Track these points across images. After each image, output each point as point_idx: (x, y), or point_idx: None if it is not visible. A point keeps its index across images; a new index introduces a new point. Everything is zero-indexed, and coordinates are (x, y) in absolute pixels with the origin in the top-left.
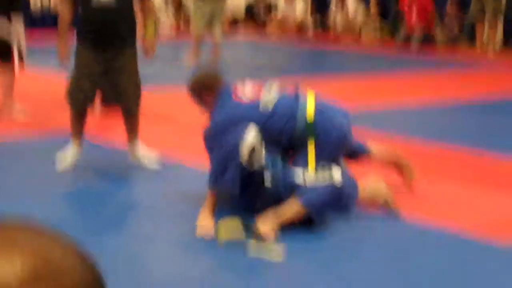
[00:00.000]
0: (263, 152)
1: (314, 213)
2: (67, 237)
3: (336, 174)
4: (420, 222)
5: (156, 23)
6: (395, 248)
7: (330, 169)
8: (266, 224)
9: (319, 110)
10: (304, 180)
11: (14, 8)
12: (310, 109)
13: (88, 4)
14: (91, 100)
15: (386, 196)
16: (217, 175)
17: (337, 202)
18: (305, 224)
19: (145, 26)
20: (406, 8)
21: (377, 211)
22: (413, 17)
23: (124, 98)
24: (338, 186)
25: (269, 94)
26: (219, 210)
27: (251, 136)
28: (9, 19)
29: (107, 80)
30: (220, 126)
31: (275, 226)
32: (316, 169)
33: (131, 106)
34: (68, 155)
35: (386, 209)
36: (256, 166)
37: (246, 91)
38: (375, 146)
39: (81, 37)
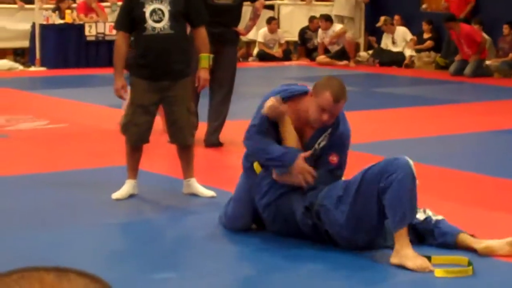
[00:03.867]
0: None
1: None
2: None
3: None
4: None
5: (209, 52)
6: None
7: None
8: (416, 260)
9: None
10: None
11: None
12: None
13: (142, 32)
14: (146, 133)
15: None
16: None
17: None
18: None
19: (198, 55)
20: (456, 40)
21: None
22: (465, 48)
23: (178, 128)
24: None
25: None
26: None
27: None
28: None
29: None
30: None
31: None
32: None
33: (186, 137)
34: (123, 190)
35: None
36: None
37: None
38: None
39: (135, 68)
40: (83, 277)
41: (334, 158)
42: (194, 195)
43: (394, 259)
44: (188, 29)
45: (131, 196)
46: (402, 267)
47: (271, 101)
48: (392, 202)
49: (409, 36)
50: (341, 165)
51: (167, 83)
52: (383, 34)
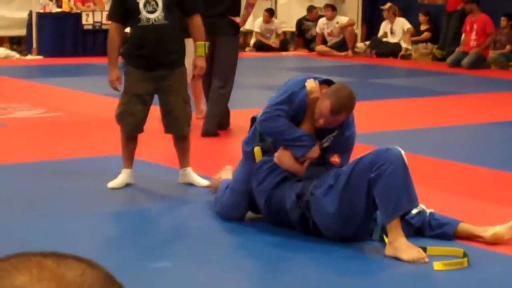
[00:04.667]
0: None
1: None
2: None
3: None
4: None
5: (206, 39)
6: None
7: None
8: (410, 252)
9: None
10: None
11: None
12: None
13: (136, 23)
14: (141, 123)
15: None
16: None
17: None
18: None
19: (194, 43)
20: (468, 27)
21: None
22: (472, 36)
23: (173, 118)
24: None
25: None
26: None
27: None
28: None
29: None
30: None
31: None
32: None
33: (182, 127)
34: (119, 179)
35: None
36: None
37: None
38: None
39: (130, 58)
40: (81, 262)
41: (336, 159)
42: (190, 184)
43: (388, 251)
44: None
45: (127, 185)
46: (397, 259)
47: (313, 82)
48: (383, 193)
49: (407, 26)
50: (342, 166)
51: (162, 72)
52: (382, 23)
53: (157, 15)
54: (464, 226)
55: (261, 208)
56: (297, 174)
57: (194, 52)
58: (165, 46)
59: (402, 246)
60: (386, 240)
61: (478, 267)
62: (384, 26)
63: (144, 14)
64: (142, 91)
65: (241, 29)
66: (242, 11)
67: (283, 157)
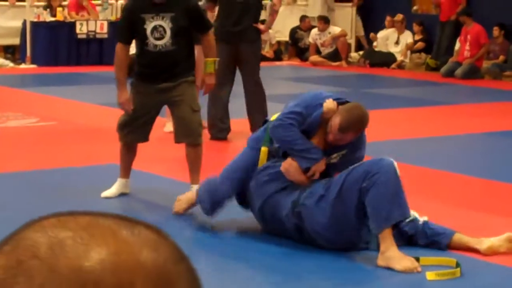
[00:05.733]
0: None
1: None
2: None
3: None
4: None
5: (216, 57)
6: None
7: None
8: (403, 262)
9: None
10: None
11: None
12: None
13: (144, 47)
14: (143, 135)
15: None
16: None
17: None
18: None
19: (204, 60)
20: (462, 38)
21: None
22: (466, 47)
23: (183, 128)
24: None
25: None
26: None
27: None
28: None
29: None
30: None
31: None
32: None
33: (192, 136)
34: (113, 189)
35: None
36: None
37: None
38: None
39: (137, 74)
40: (153, 232)
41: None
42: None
43: (381, 262)
44: None
45: (121, 195)
46: (389, 269)
47: (332, 103)
48: (375, 203)
49: (410, 40)
50: None
51: (168, 84)
52: (382, 31)
53: (165, 42)
54: (459, 237)
55: (254, 210)
56: (300, 186)
57: (203, 69)
58: (174, 67)
59: (394, 256)
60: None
61: (471, 277)
62: (391, 36)
63: (151, 40)
64: (148, 102)
65: None
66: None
67: (290, 167)
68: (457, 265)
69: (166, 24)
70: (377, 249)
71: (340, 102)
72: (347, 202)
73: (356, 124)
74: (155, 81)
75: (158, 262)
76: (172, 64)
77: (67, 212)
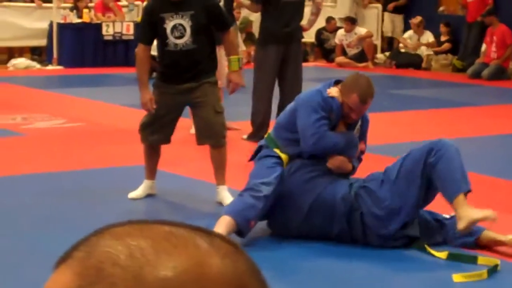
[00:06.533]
0: None
1: None
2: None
3: None
4: None
5: (239, 54)
6: None
7: None
8: (481, 212)
9: None
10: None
11: None
12: None
13: (165, 47)
14: (165, 136)
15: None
16: None
17: None
18: None
19: (228, 58)
20: (488, 39)
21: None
22: (492, 48)
23: (206, 130)
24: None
25: None
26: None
27: None
28: None
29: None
30: None
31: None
32: None
33: (215, 137)
34: (140, 190)
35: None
36: None
37: None
38: None
39: (159, 74)
40: (229, 245)
41: (362, 146)
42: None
43: (460, 225)
44: None
45: (148, 196)
46: (469, 228)
47: (334, 90)
48: (445, 174)
49: (431, 40)
50: (364, 150)
51: (190, 85)
52: (406, 33)
53: (185, 41)
54: (487, 233)
55: (300, 208)
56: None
57: (228, 67)
58: (196, 66)
59: (472, 211)
60: (428, 249)
61: (498, 279)
62: (411, 36)
63: (171, 39)
64: (170, 102)
65: None
66: (309, 17)
67: (336, 161)
68: (494, 267)
69: (185, 22)
70: (420, 249)
71: (336, 84)
72: (408, 182)
73: (371, 91)
74: (178, 82)
75: (237, 274)
76: (193, 63)
77: (138, 220)
